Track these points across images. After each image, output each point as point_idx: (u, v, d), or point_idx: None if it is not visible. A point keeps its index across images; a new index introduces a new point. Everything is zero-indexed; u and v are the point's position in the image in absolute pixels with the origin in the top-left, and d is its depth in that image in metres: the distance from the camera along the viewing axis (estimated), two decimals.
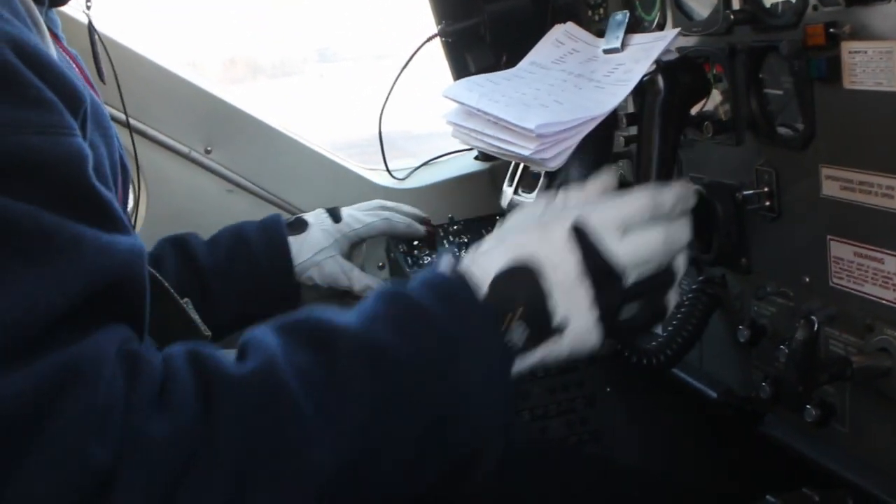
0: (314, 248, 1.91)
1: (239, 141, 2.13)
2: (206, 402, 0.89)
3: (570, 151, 1.21)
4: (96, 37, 1.60)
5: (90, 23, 1.56)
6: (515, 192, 1.42)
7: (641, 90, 1.26)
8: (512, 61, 1.99)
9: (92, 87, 1.38)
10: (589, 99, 1.26)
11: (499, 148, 1.30)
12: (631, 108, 1.39)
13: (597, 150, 1.30)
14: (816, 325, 1.15)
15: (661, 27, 1.55)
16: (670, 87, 1.24)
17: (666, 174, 1.26)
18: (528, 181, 1.38)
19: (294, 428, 0.91)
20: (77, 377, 0.85)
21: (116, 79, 1.75)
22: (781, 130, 1.30)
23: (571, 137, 1.21)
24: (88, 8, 1.55)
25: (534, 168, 1.34)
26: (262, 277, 1.86)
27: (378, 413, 0.96)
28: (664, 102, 1.24)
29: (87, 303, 0.90)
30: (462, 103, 1.38)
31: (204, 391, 0.90)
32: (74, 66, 1.34)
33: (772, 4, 1.27)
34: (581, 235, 1.07)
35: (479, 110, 1.33)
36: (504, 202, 1.49)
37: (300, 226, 1.93)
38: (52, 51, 1.12)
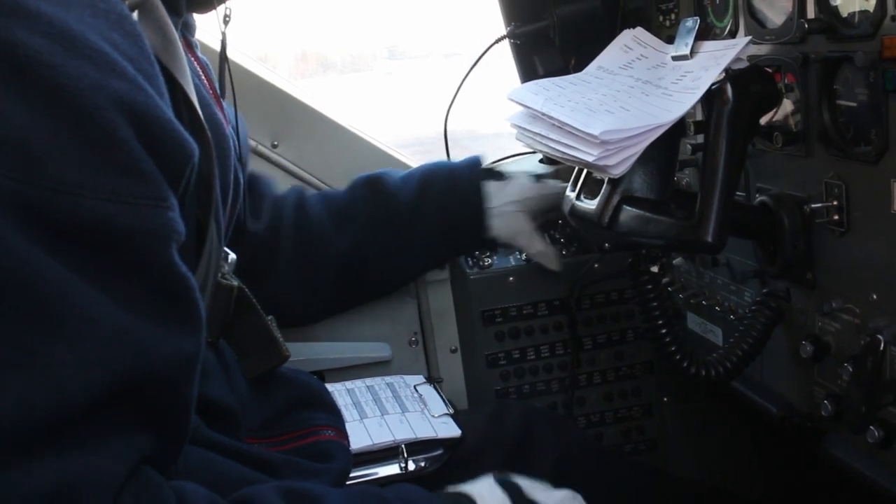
0: (507, 197, 1.93)
1: (305, 136, 2.16)
2: None
3: (634, 158, 1.20)
4: (226, 54, 1.46)
5: (223, 40, 1.44)
6: (578, 198, 1.41)
7: (710, 99, 1.25)
8: (580, 65, 1.98)
9: (217, 100, 1.40)
10: (656, 106, 1.25)
11: (562, 153, 1.30)
12: (699, 116, 1.37)
13: (662, 158, 1.29)
14: (882, 345, 1.12)
15: (732, 34, 1.53)
16: (739, 96, 1.22)
17: (731, 185, 1.24)
18: (591, 187, 1.37)
19: None
20: (71, 499, 0.82)
21: None
22: (853, 143, 1.27)
23: (636, 144, 1.19)
24: (226, 24, 1.42)
25: (597, 174, 1.32)
26: (453, 216, 1.90)
27: None
28: (732, 112, 1.22)
29: (111, 402, 0.85)
30: (527, 106, 1.38)
31: None
32: (203, 76, 1.36)
33: (848, 14, 1.24)
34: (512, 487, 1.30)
35: (543, 114, 1.32)
36: (566, 207, 1.48)
37: (499, 175, 1.97)
38: (182, 66, 1.07)
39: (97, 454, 0.84)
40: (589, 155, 1.20)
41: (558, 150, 1.31)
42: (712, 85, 1.23)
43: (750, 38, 1.28)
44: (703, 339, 1.86)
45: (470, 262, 2.11)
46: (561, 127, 1.28)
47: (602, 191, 1.33)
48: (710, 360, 1.49)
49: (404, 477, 1.69)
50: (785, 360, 1.54)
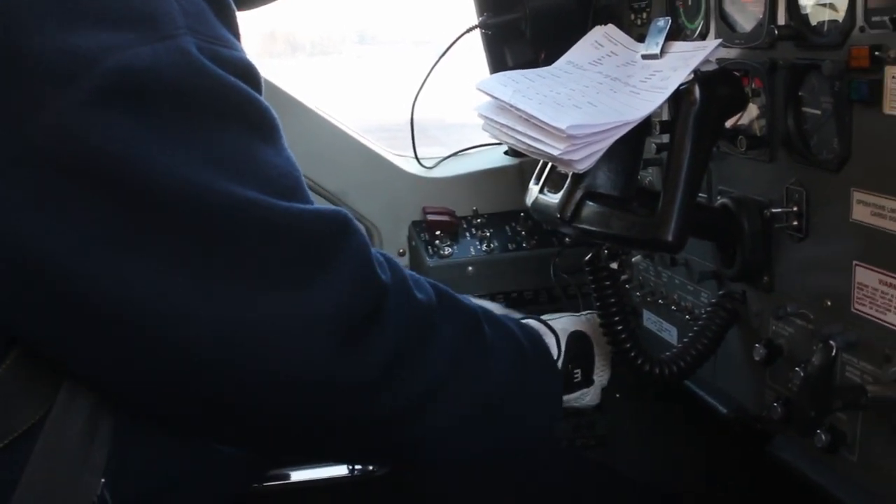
0: None
1: None
2: (440, 302, 1.26)
3: (599, 154, 1.20)
4: None
5: None
6: (541, 192, 1.41)
7: (677, 99, 1.25)
8: (551, 58, 1.98)
9: None
10: (623, 103, 1.25)
11: (528, 145, 1.29)
12: (665, 116, 1.37)
13: (627, 155, 1.29)
14: (834, 351, 1.13)
15: (703, 37, 1.54)
16: (706, 98, 1.22)
17: (694, 186, 1.24)
18: (554, 181, 1.37)
19: (479, 340, 1.31)
20: (350, 222, 1.12)
21: None
22: (816, 151, 1.29)
23: (602, 140, 1.19)
24: None
25: (561, 168, 1.32)
26: None
27: (502, 373, 1.33)
28: (699, 114, 1.22)
29: None
30: (495, 97, 1.37)
31: (438, 295, 1.27)
32: None
33: (818, 22, 1.25)
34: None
35: (511, 106, 1.31)
36: (529, 200, 1.48)
37: None
38: None
39: None
40: (555, 149, 1.20)
41: (524, 143, 1.30)
42: (680, 86, 1.23)
43: (720, 41, 1.28)
44: (659, 338, 1.87)
45: (430, 251, 2.10)
46: (528, 119, 1.27)
47: (565, 185, 1.33)
48: (664, 358, 1.50)
49: (353, 479, 1.69)
50: (738, 361, 1.55)
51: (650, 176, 1.78)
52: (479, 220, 2.19)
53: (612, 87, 1.34)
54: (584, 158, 1.19)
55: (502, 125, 1.36)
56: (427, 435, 1.26)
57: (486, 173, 2.26)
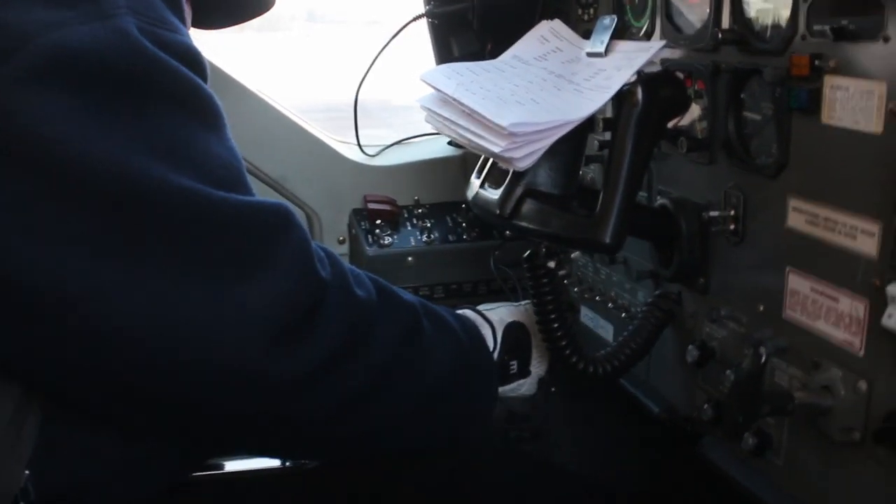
0: None
1: None
2: (380, 299, 1.24)
3: (540, 153, 1.19)
4: None
5: None
6: (482, 187, 1.39)
7: (620, 99, 1.24)
8: (497, 50, 1.96)
9: None
10: (566, 102, 1.24)
11: (470, 140, 1.28)
12: (608, 113, 1.36)
13: (568, 153, 1.28)
14: (764, 358, 1.14)
15: (648, 36, 1.53)
16: (649, 99, 1.22)
17: (633, 188, 1.24)
18: (495, 176, 1.35)
19: (418, 335, 1.29)
20: (291, 215, 1.10)
21: None
22: (755, 155, 1.29)
23: (544, 139, 1.18)
24: None
25: (503, 165, 1.31)
26: None
27: (441, 367, 1.32)
28: (641, 115, 1.22)
29: None
30: (438, 90, 1.36)
31: (378, 291, 1.25)
32: None
33: (761, 27, 1.26)
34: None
35: (454, 99, 1.30)
36: (470, 194, 1.46)
37: None
38: None
39: None
40: (496, 146, 1.18)
41: (466, 138, 1.28)
42: (623, 86, 1.22)
43: (664, 42, 1.28)
44: (595, 334, 1.88)
45: (370, 240, 2.08)
46: (470, 114, 1.25)
47: (506, 181, 1.32)
48: (598, 357, 1.50)
49: (287, 471, 1.66)
50: (671, 361, 1.56)
51: (592, 172, 1.78)
52: (420, 211, 2.18)
53: (556, 84, 1.33)
54: (525, 157, 1.18)
55: (445, 118, 1.34)
56: (365, 430, 1.25)
57: (428, 163, 2.24)
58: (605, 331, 1.84)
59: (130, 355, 1.00)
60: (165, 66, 0.98)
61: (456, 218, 2.14)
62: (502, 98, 1.26)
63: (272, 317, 1.04)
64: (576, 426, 2.23)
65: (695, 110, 1.41)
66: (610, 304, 1.78)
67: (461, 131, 1.30)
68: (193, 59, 1.04)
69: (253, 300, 1.03)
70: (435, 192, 2.20)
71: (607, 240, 1.20)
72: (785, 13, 1.19)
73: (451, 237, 2.11)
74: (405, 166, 2.22)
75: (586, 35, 1.51)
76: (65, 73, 0.92)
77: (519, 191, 1.30)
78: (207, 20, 1.46)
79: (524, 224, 1.30)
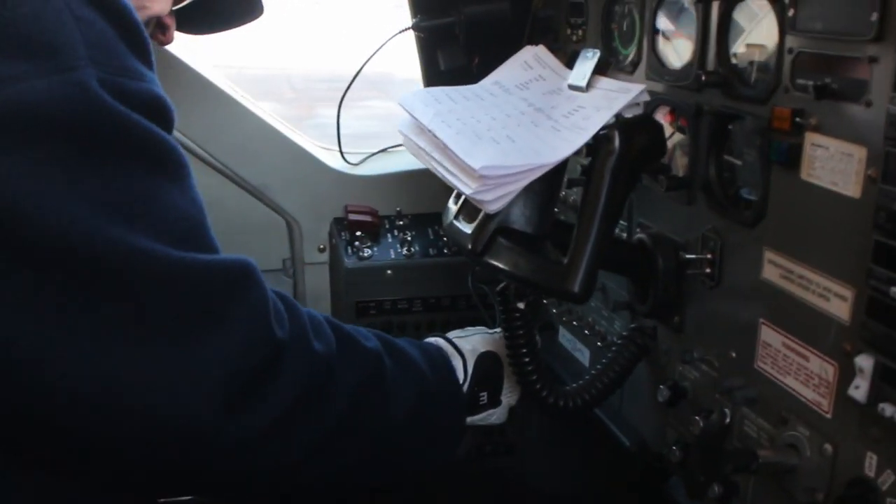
0: None
1: (192, 104, 2.05)
2: (339, 349, 1.23)
3: (512, 196, 1.16)
4: None
5: None
6: (455, 218, 1.36)
7: (596, 144, 1.21)
8: (484, 63, 1.94)
9: None
10: (542, 141, 1.21)
11: (443, 175, 1.25)
12: (583, 155, 1.34)
13: (543, 191, 1.25)
14: (728, 418, 1.12)
15: (634, 65, 1.51)
16: (625, 148, 1.19)
17: (605, 238, 1.21)
18: (469, 210, 1.33)
19: (379, 382, 1.28)
20: (251, 273, 1.09)
21: None
22: (733, 202, 1.27)
23: (516, 182, 1.16)
24: None
25: (475, 203, 1.28)
26: None
27: (402, 410, 1.31)
28: (616, 164, 1.19)
29: None
30: (415, 118, 1.33)
31: (339, 340, 1.24)
32: None
33: (746, 71, 1.23)
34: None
35: (429, 130, 1.27)
36: (445, 219, 1.44)
37: None
38: None
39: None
40: (467, 187, 1.16)
41: (439, 172, 1.26)
42: (601, 130, 1.19)
43: (644, 87, 1.25)
44: (572, 356, 1.86)
45: (349, 251, 2.06)
46: (445, 149, 1.23)
47: (479, 217, 1.29)
48: (570, 391, 1.49)
49: None
50: (644, 394, 1.54)
51: (574, 195, 1.76)
52: (402, 222, 2.15)
53: (533, 119, 1.30)
54: (496, 199, 1.16)
55: (420, 148, 1.32)
56: (326, 474, 1.24)
57: (411, 174, 2.21)
58: (582, 354, 1.82)
59: (78, 415, 0.98)
60: (125, 120, 0.95)
61: (437, 230, 2.12)
62: (478, 134, 1.24)
63: (225, 379, 1.03)
64: (550, 443, 2.22)
65: (679, 139, 1.38)
66: (587, 331, 1.76)
67: (435, 164, 1.27)
68: (157, 108, 1.01)
69: (205, 361, 1.01)
70: (417, 203, 2.18)
71: (576, 289, 1.18)
72: (770, 62, 1.17)
73: (431, 251, 2.09)
74: (387, 176, 2.20)
75: (574, 55, 1.47)
76: (19, 129, 0.89)
77: (491, 227, 1.27)
78: (193, 28, 1.48)
79: (495, 263, 1.27)
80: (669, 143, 1.37)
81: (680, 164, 1.40)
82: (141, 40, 1.02)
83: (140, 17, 1.30)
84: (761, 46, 1.19)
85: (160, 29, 1.42)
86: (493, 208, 1.16)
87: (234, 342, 1.04)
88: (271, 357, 1.09)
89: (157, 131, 0.99)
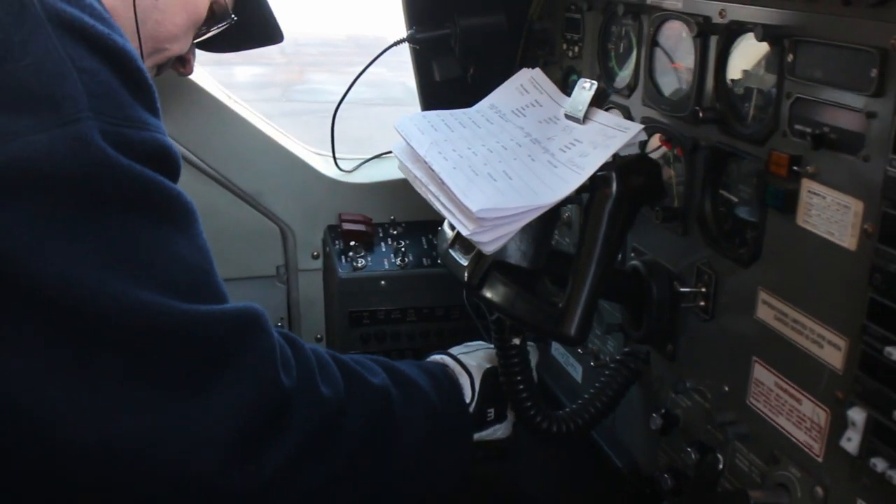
0: None
1: (186, 110, 2.03)
2: (347, 390, 1.23)
3: (508, 237, 1.16)
4: None
5: None
6: (452, 247, 1.36)
7: (593, 185, 1.21)
8: (479, 74, 1.93)
9: None
10: (540, 180, 1.21)
11: (439, 209, 1.25)
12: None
13: (538, 226, 1.25)
14: (721, 465, 1.13)
15: (631, 89, 1.50)
16: (622, 190, 1.19)
17: (601, 280, 1.20)
18: (464, 243, 1.33)
19: (388, 419, 1.29)
20: (258, 321, 1.08)
21: None
22: (729, 236, 1.27)
23: (513, 223, 1.15)
24: None
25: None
26: None
27: (412, 441, 1.33)
28: (613, 207, 1.19)
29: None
30: (411, 145, 1.32)
31: (346, 380, 1.24)
32: None
33: (744, 109, 1.22)
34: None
35: (426, 161, 1.27)
36: (440, 245, 1.44)
37: None
38: None
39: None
40: (464, 228, 1.15)
41: (435, 205, 1.26)
42: (597, 171, 1.19)
43: (643, 126, 1.24)
44: (564, 371, 1.87)
45: (343, 260, 2.05)
46: (441, 183, 1.22)
47: (475, 250, 1.29)
48: (563, 415, 1.49)
49: None
50: (637, 416, 1.55)
51: (569, 211, 1.76)
52: (396, 231, 2.14)
53: (530, 151, 1.29)
54: (493, 241, 1.15)
55: (416, 177, 1.31)
56: None
57: (405, 181, 2.18)
58: (575, 370, 1.83)
59: (82, 468, 0.97)
60: (128, 172, 0.94)
61: (431, 239, 2.11)
62: (474, 169, 1.23)
63: (232, 429, 1.03)
64: (543, 447, 2.23)
65: (673, 174, 1.38)
66: (580, 350, 1.77)
67: (431, 198, 1.27)
68: (162, 157, 1.00)
69: (212, 413, 1.01)
70: (411, 211, 2.16)
71: (571, 333, 1.18)
72: (768, 104, 1.16)
73: (425, 261, 2.08)
74: (381, 183, 2.18)
75: (570, 70, 1.46)
76: (21, 185, 0.89)
77: (487, 261, 1.28)
78: (210, 49, 1.52)
79: (491, 298, 1.27)
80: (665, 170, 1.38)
81: (675, 192, 1.39)
82: (146, 88, 1.01)
83: (161, 59, 1.32)
84: (759, 83, 1.19)
85: (180, 62, 1.42)
86: (489, 249, 1.16)
87: (242, 394, 1.04)
88: (280, 406, 1.09)
89: (162, 181, 0.99)
